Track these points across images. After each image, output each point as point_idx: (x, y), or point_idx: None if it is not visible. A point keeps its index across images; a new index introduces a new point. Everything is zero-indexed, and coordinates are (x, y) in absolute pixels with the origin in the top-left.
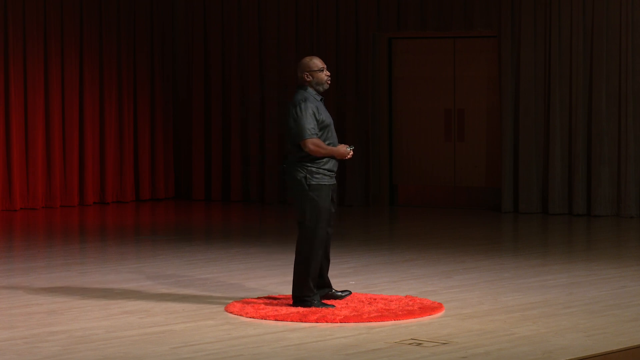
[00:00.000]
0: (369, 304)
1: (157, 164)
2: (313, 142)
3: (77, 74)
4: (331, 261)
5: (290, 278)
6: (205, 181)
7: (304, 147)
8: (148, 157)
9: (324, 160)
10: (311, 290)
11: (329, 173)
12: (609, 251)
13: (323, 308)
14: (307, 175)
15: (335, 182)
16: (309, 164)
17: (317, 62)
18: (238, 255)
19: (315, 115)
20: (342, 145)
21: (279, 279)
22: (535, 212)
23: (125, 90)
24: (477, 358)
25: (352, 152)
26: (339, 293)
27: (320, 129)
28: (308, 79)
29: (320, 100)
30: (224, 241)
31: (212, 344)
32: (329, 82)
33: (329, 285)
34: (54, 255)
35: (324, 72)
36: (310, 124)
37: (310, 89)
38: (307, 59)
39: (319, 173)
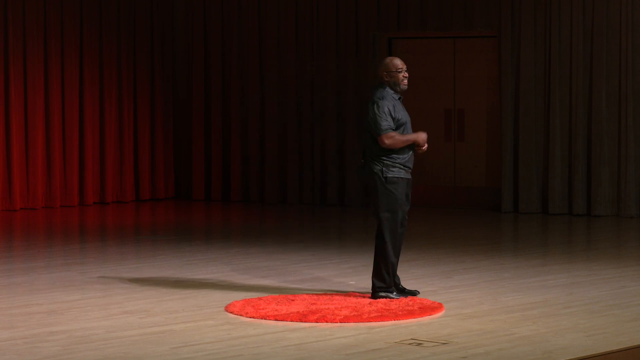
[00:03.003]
0: (369, 304)
1: (157, 164)
2: (388, 136)
3: (77, 74)
4: (331, 261)
5: (291, 278)
6: (205, 181)
7: (381, 143)
8: (148, 157)
9: (400, 155)
10: (389, 281)
11: (404, 167)
12: (609, 251)
13: (396, 299)
14: (384, 169)
15: (410, 177)
16: (385, 158)
17: (396, 63)
18: (238, 255)
19: (391, 111)
20: (422, 132)
21: (279, 279)
22: (535, 212)
23: (125, 90)
24: (477, 358)
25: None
26: (407, 290)
27: (397, 127)
28: (387, 79)
29: (398, 99)
30: (224, 241)
31: (212, 344)
32: (405, 82)
33: (397, 284)
34: (54, 255)
35: (402, 74)
36: (385, 120)
37: (388, 88)
38: (388, 59)
39: (394, 166)
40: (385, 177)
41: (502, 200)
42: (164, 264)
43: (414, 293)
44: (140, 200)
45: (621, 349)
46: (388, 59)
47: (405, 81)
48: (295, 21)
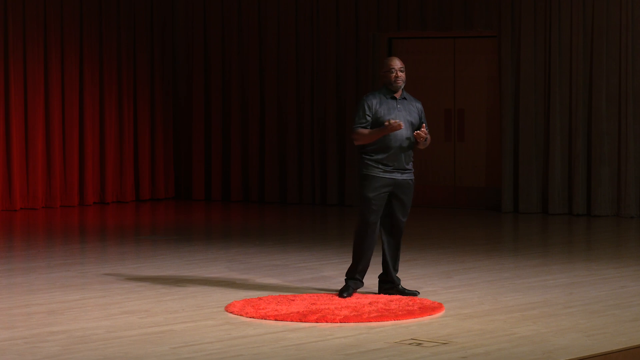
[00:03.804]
0: (369, 304)
1: (157, 164)
2: (355, 133)
3: (77, 74)
4: (331, 261)
5: (289, 278)
6: (205, 181)
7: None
8: (148, 157)
9: (376, 152)
10: (351, 273)
11: (380, 166)
12: (609, 251)
13: (347, 296)
14: (361, 166)
15: (395, 177)
16: (363, 155)
17: (388, 63)
18: (238, 255)
19: (366, 110)
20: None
21: (279, 279)
22: (535, 212)
23: (125, 90)
24: (477, 358)
25: (397, 121)
26: (407, 290)
27: (379, 125)
28: (382, 79)
29: (391, 98)
30: (224, 241)
31: (212, 344)
32: (398, 82)
33: (392, 281)
34: (54, 255)
35: (393, 74)
36: (356, 117)
37: (383, 87)
38: (386, 59)
39: (369, 164)
40: (361, 174)
41: (502, 200)
42: (164, 264)
43: (414, 293)
44: (140, 200)
45: (621, 349)
46: (385, 59)
47: (399, 81)
48: (295, 21)
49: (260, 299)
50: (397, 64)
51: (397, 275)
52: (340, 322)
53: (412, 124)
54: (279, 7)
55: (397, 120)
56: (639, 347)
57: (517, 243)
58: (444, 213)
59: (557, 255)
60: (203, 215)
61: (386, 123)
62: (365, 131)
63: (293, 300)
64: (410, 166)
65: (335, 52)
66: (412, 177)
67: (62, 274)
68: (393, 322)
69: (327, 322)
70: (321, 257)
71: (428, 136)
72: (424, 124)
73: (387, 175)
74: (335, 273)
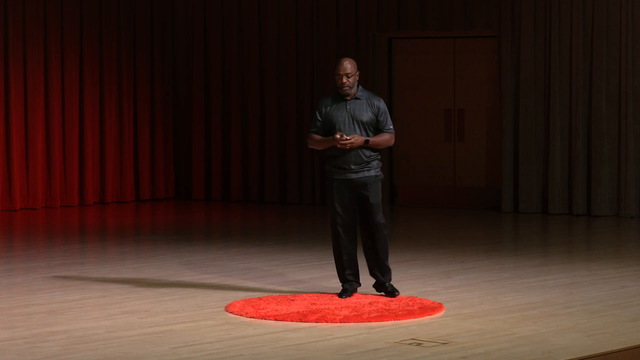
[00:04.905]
0: (369, 304)
1: (157, 164)
2: (309, 138)
3: (77, 74)
4: (331, 261)
5: (289, 278)
6: (205, 181)
7: None
8: (148, 157)
9: (333, 156)
10: (341, 277)
11: (335, 168)
12: (609, 251)
13: (346, 297)
14: (327, 171)
15: (350, 177)
16: (326, 160)
17: (336, 67)
18: (238, 255)
19: (317, 115)
20: (338, 133)
21: (279, 279)
22: (535, 212)
23: (125, 90)
24: (477, 358)
25: (345, 138)
26: (390, 289)
27: (330, 129)
28: (335, 81)
29: (342, 100)
30: (224, 241)
31: (212, 344)
32: (344, 88)
33: (378, 279)
34: (54, 255)
35: (340, 79)
36: (311, 122)
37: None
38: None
39: (330, 167)
40: (327, 178)
41: (502, 200)
42: (164, 264)
43: (392, 294)
44: (140, 200)
45: (621, 349)
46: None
47: (345, 87)
48: (295, 21)
49: (260, 299)
50: (343, 69)
51: (390, 269)
52: (340, 322)
53: (362, 122)
54: (279, 7)
55: (344, 141)
56: (639, 347)
57: (517, 243)
58: (444, 213)
59: (557, 255)
60: (203, 215)
61: (337, 136)
62: (318, 137)
63: (293, 300)
64: (367, 165)
65: (335, 52)
66: (373, 174)
67: (62, 274)
68: (393, 322)
69: (327, 322)
70: (321, 257)
71: (356, 140)
72: (341, 133)
73: (343, 177)
74: (335, 273)
